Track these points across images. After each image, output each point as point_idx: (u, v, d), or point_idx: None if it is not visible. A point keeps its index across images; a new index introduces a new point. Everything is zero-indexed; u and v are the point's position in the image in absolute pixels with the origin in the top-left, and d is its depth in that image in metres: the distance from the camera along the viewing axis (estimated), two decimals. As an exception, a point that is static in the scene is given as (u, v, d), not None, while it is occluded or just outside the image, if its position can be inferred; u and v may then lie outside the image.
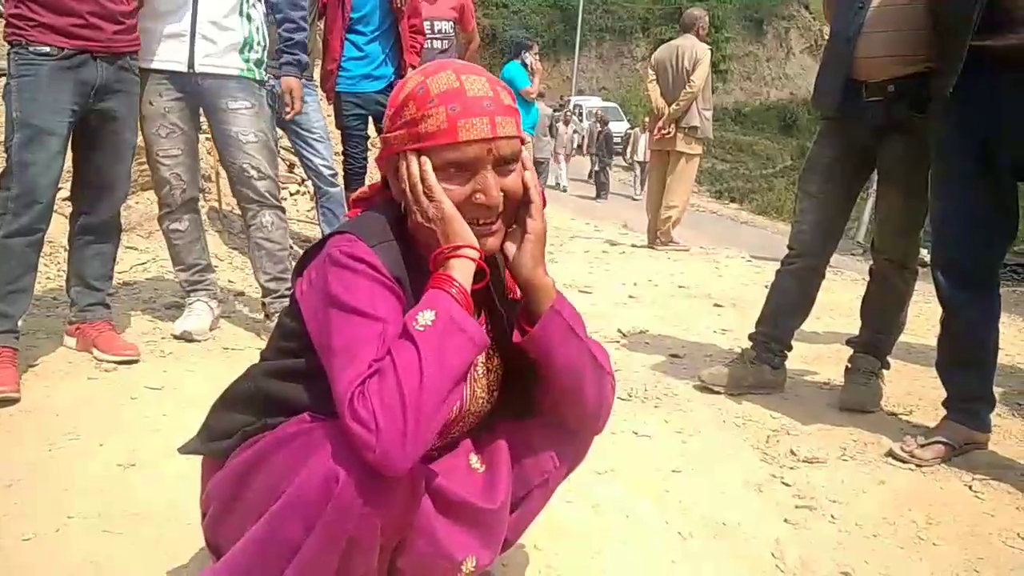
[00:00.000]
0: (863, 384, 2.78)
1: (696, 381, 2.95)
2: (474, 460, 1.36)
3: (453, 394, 1.10)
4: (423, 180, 1.18)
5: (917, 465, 2.30)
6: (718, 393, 2.87)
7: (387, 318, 1.13)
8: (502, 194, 1.21)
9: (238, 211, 5.14)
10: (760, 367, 2.89)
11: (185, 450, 1.40)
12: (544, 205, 1.29)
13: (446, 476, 1.29)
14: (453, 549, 1.24)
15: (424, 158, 1.19)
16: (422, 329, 1.09)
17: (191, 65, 2.89)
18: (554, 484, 1.44)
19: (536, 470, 1.38)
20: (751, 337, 2.97)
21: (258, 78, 3.07)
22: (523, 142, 1.25)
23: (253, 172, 3.04)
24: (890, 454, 2.37)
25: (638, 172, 18.77)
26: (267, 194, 3.09)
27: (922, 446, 2.34)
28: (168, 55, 2.89)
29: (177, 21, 2.86)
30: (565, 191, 18.10)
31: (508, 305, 1.36)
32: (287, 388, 1.26)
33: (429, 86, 1.19)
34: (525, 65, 6.90)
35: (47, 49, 2.45)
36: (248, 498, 1.21)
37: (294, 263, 1.67)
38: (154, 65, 2.89)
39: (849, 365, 2.86)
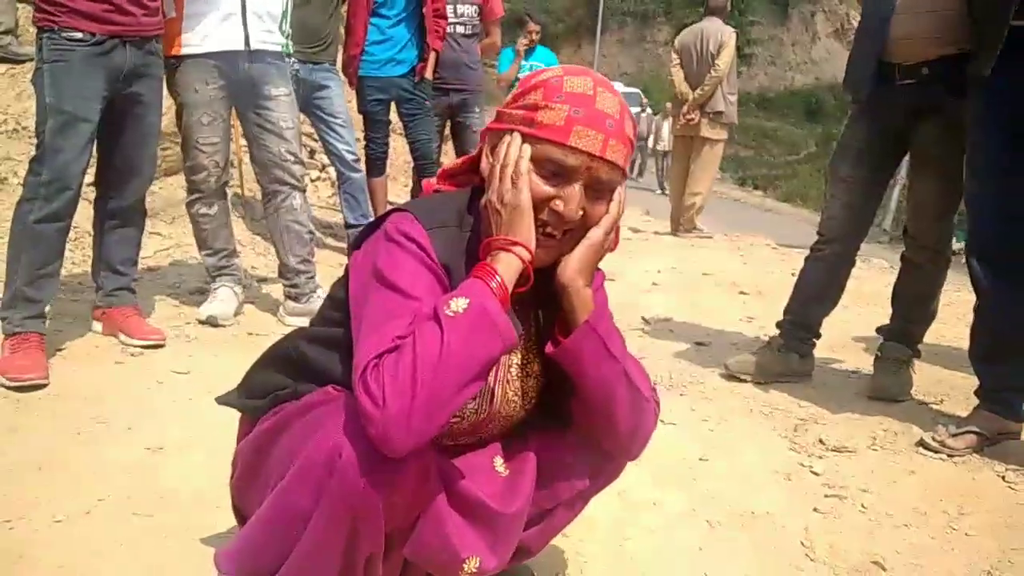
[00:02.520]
0: (893, 372, 2.74)
1: (722, 369, 2.93)
2: (499, 463, 1.34)
3: (470, 386, 1.07)
4: (516, 163, 1.16)
5: (948, 455, 2.27)
6: (745, 382, 2.84)
7: (424, 299, 1.11)
8: (581, 213, 1.18)
9: (260, 198, 5.20)
10: (788, 355, 2.86)
11: (222, 400, 1.41)
12: (617, 240, 1.25)
13: (467, 472, 1.27)
14: (459, 546, 1.21)
15: (527, 145, 1.17)
16: (452, 315, 1.07)
17: (247, 43, 2.93)
18: (582, 503, 1.41)
19: (566, 487, 1.35)
20: (779, 325, 2.93)
21: (291, 51, 3.15)
22: (626, 176, 1.22)
23: (290, 157, 3.12)
24: (921, 443, 2.33)
25: (661, 163, 17.73)
26: (300, 177, 3.20)
27: (954, 435, 2.30)
28: (223, 36, 2.92)
29: (228, 0, 2.90)
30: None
31: (556, 314, 1.30)
32: (323, 356, 1.27)
33: (564, 82, 1.17)
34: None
35: (79, 35, 2.45)
36: (268, 466, 1.22)
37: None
38: (209, 48, 2.91)
39: (879, 353, 2.82)
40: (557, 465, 1.34)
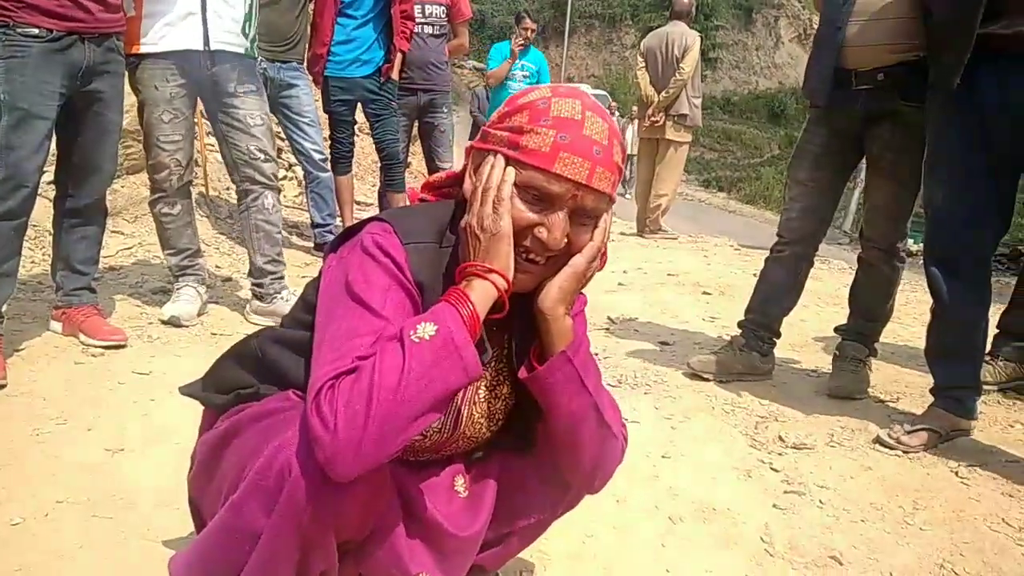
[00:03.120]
0: (851, 371, 2.79)
1: (685, 368, 2.96)
2: (459, 483, 1.33)
3: (426, 416, 1.03)
4: (499, 188, 1.12)
5: (904, 452, 2.32)
6: (707, 380, 2.88)
7: (391, 319, 1.08)
8: (564, 241, 1.14)
9: (225, 197, 5.15)
10: (749, 354, 2.91)
11: (185, 391, 1.39)
12: (604, 261, 1.21)
13: (425, 491, 1.26)
14: (409, 563, 1.21)
15: (511, 168, 1.13)
16: (417, 341, 1.03)
17: (207, 43, 2.89)
18: (540, 528, 1.41)
19: (524, 512, 1.34)
20: (740, 324, 2.98)
21: (256, 55, 3.11)
22: (612, 202, 1.19)
23: (260, 155, 3.09)
24: (877, 441, 2.39)
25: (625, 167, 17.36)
26: (272, 176, 3.16)
27: (908, 433, 2.36)
28: (182, 35, 2.88)
29: (187, 0, 2.85)
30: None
31: (533, 338, 1.26)
32: (287, 359, 1.25)
33: (552, 105, 1.13)
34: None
35: (35, 31, 2.40)
36: (222, 469, 1.20)
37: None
38: (167, 48, 2.87)
39: (837, 352, 2.88)
40: (518, 492, 1.33)
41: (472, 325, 1.07)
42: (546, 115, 1.12)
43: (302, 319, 1.27)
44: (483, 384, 1.29)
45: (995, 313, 3.45)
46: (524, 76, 6.55)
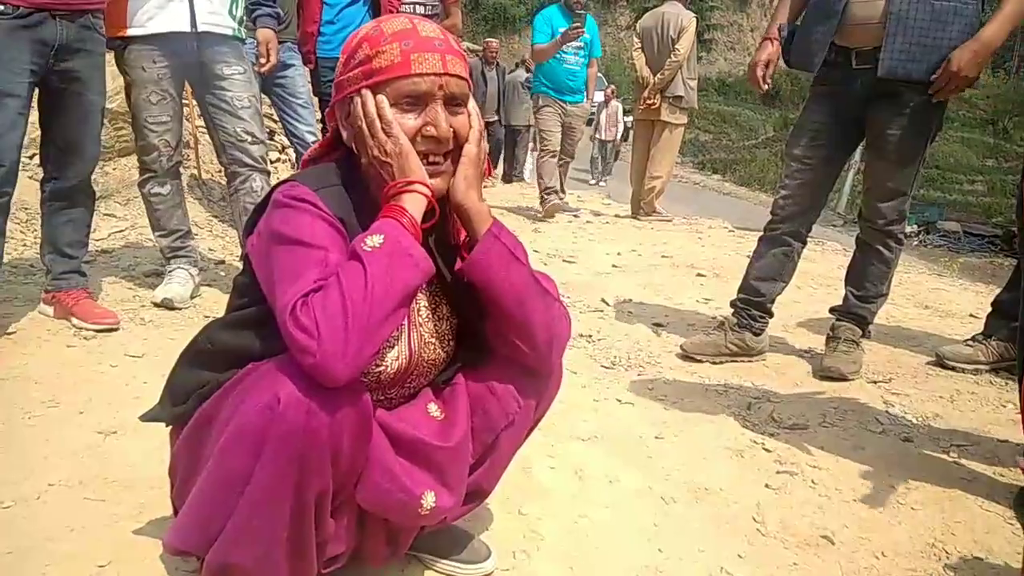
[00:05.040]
0: (845, 352, 2.80)
1: (679, 350, 2.96)
2: (433, 408, 1.37)
3: (396, 313, 1.12)
4: (380, 115, 1.22)
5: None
6: (701, 362, 2.88)
7: (329, 246, 1.16)
8: (451, 130, 1.24)
9: (217, 179, 5.12)
10: (742, 334, 2.91)
11: (146, 417, 1.40)
12: (482, 134, 1.30)
13: (402, 420, 1.30)
14: (411, 484, 1.24)
15: (380, 96, 1.22)
16: (369, 250, 1.12)
17: (193, 25, 2.86)
18: (522, 426, 1.42)
19: (500, 413, 1.37)
20: (733, 304, 2.98)
21: (243, 37, 3.07)
22: (470, 87, 1.29)
23: (248, 137, 3.05)
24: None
25: (598, 152, 15.65)
26: (260, 158, 3.12)
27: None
28: (168, 17, 2.85)
29: None
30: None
31: (455, 251, 1.34)
32: (237, 338, 1.28)
33: (383, 28, 1.24)
34: (569, 8, 6.19)
35: (1, 7, 2.36)
36: (205, 454, 1.21)
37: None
38: (151, 30, 2.84)
39: (831, 333, 2.88)
40: (487, 395, 1.38)
41: (414, 231, 1.18)
42: (383, 35, 1.23)
43: (239, 304, 1.32)
44: (423, 305, 1.37)
45: (990, 294, 3.47)
46: (578, 47, 6.26)
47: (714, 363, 2.88)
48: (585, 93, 6.49)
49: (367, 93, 1.23)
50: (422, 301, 1.37)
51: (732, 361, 2.89)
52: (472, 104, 1.29)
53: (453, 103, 1.25)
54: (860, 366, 2.81)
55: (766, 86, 2.74)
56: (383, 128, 1.21)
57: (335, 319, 1.05)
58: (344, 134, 1.30)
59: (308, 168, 1.35)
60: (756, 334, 2.93)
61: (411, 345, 1.34)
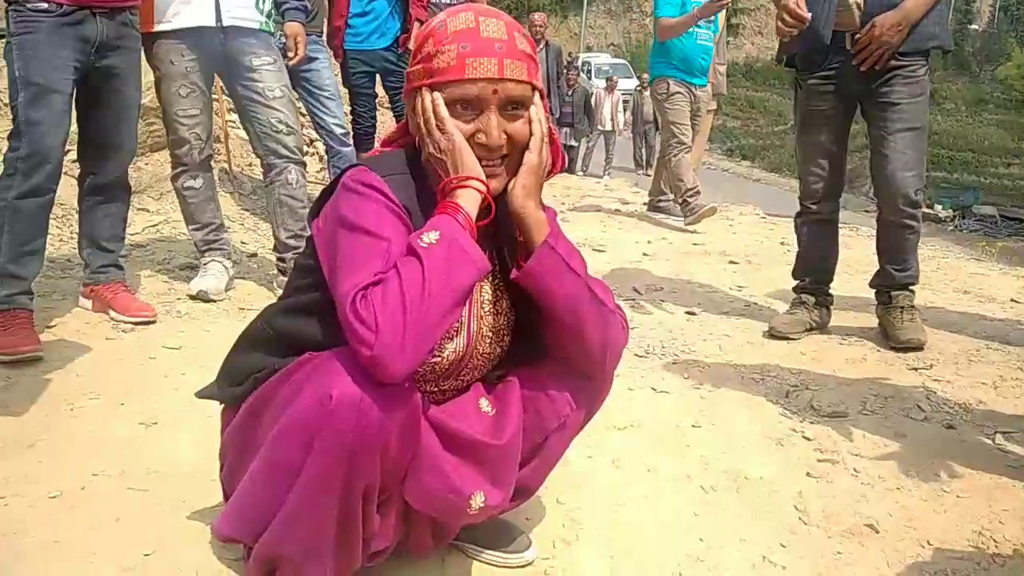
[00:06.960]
0: (911, 320, 2.84)
1: (713, 338, 2.95)
2: (484, 404, 1.37)
3: (453, 312, 1.12)
4: (435, 113, 1.22)
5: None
6: (791, 340, 2.95)
7: (392, 238, 1.16)
8: (505, 137, 1.23)
9: (248, 173, 5.15)
10: (820, 310, 3.02)
11: (202, 394, 1.42)
12: (544, 141, 1.28)
13: (454, 416, 1.30)
14: (461, 483, 1.24)
15: (436, 93, 1.22)
16: (426, 246, 1.12)
17: (219, 19, 2.88)
18: (572, 428, 1.42)
19: (552, 413, 1.37)
20: (799, 287, 3.06)
21: (272, 30, 3.08)
22: (536, 90, 1.26)
23: (282, 127, 3.05)
24: None
25: (603, 143, 14.43)
26: (296, 149, 3.12)
27: None
28: (193, 12, 2.87)
29: None
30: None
31: (520, 248, 1.34)
32: (299, 323, 1.28)
33: (448, 25, 1.23)
34: None
35: (45, 6, 2.40)
36: (257, 440, 1.23)
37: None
38: (178, 24, 2.86)
39: (888, 305, 2.90)
40: (540, 395, 1.37)
41: (470, 227, 1.18)
42: (445, 34, 1.22)
43: (300, 285, 1.33)
44: (486, 299, 1.37)
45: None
46: (709, 20, 5.34)
47: (781, 337, 2.97)
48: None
49: (425, 91, 1.23)
50: (486, 294, 1.37)
51: (790, 338, 2.97)
52: (536, 109, 1.26)
53: (511, 108, 1.24)
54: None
55: (809, 15, 2.58)
56: (438, 125, 1.22)
57: (395, 314, 1.06)
58: (410, 124, 1.30)
59: (380, 154, 1.36)
60: (828, 308, 3.04)
61: (470, 336, 1.34)
